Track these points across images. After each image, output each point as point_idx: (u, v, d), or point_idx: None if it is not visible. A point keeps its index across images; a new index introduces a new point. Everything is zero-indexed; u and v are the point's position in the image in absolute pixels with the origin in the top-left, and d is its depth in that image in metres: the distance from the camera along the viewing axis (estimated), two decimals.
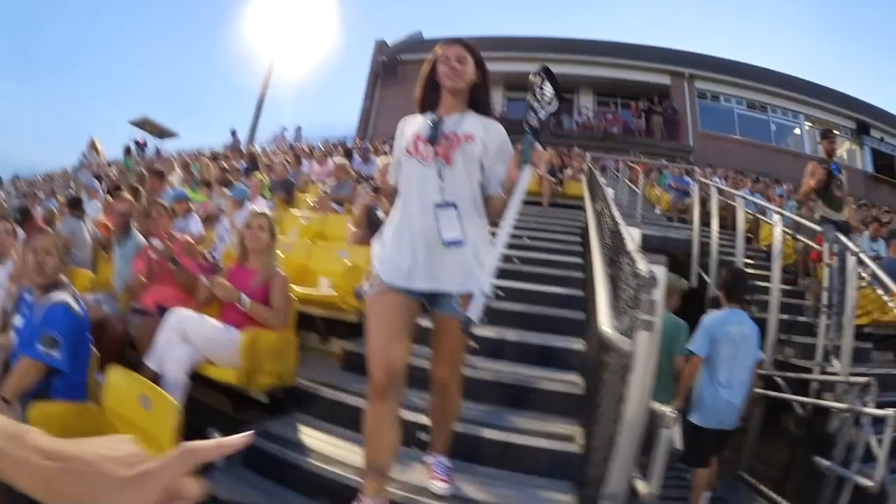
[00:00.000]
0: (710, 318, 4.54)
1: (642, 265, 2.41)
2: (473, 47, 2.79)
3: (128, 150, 20.74)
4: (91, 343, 3.46)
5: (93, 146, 13.50)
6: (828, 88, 24.92)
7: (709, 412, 4.39)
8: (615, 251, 3.88)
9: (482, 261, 2.62)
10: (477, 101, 2.83)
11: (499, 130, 2.78)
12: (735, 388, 4.38)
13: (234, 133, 22.37)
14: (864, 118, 23.79)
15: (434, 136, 2.71)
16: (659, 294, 2.26)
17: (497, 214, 2.72)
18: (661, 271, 2.33)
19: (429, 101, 2.85)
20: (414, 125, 2.84)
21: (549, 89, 2.61)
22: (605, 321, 2.56)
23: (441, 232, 2.61)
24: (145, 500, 0.59)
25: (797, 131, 25.17)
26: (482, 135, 2.71)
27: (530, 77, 2.60)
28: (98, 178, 12.59)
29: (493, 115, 2.87)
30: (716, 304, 5.17)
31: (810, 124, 24.78)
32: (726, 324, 4.45)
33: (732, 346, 4.39)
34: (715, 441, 4.44)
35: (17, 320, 3.55)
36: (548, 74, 2.63)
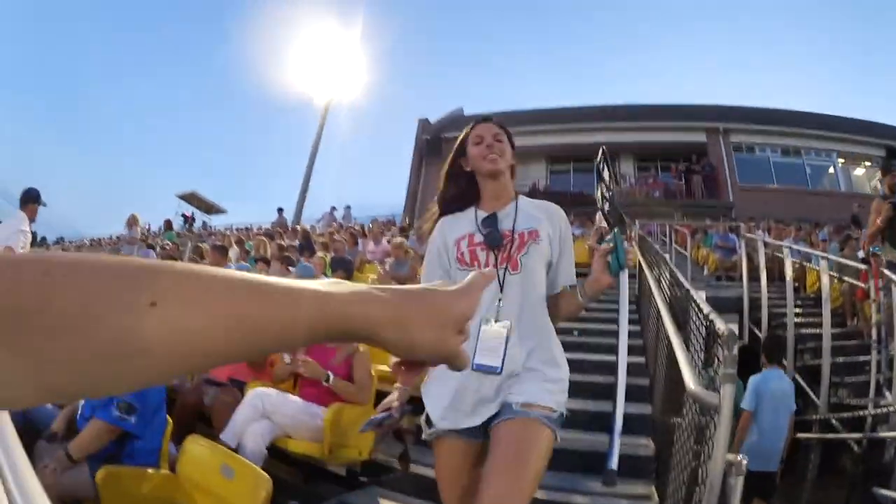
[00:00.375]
0: (756, 378, 5.13)
1: (721, 324, 2.51)
2: (505, 125, 2.40)
3: (168, 224, 20.97)
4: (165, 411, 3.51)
5: (132, 222, 13.82)
6: (855, 120, 24.97)
7: (755, 457, 4.71)
8: (679, 313, 3.99)
9: (553, 378, 2.19)
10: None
11: (560, 214, 2.36)
12: (776, 436, 5.00)
13: (280, 211, 22.79)
14: (892, 143, 23.50)
15: (494, 240, 2.23)
16: (737, 349, 2.35)
17: (566, 317, 2.36)
18: (735, 328, 2.43)
19: (457, 199, 2.41)
20: (459, 227, 2.33)
21: (607, 173, 2.29)
22: (690, 379, 2.63)
23: (475, 354, 2.11)
24: (475, 304, 0.65)
25: (831, 170, 25.02)
26: (546, 226, 2.28)
27: (596, 164, 2.29)
28: (151, 248, 12.98)
29: None
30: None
31: (843, 160, 24.79)
32: (768, 381, 5.10)
33: (774, 400, 5.02)
34: (759, 481, 4.78)
35: None
36: (605, 157, 2.31)
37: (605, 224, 2.24)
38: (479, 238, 2.26)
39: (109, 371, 0.43)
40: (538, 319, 2.22)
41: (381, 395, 4.71)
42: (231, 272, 0.51)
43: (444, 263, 2.31)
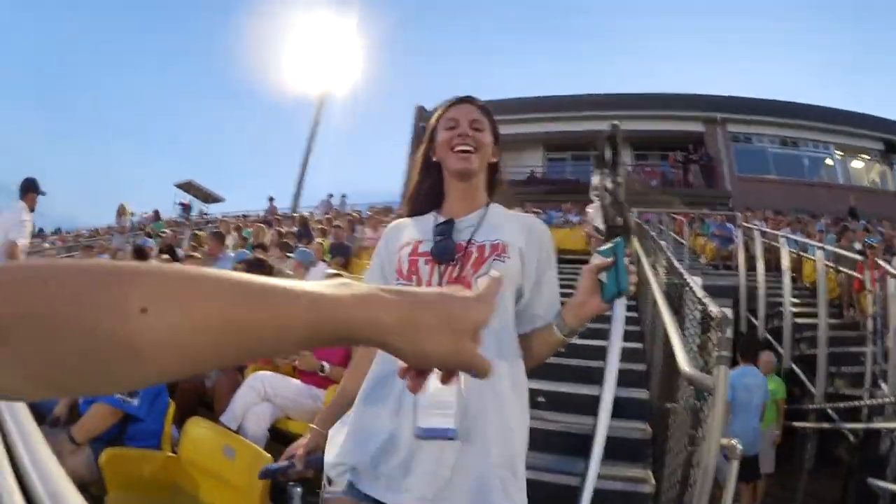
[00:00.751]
0: (731, 372, 5.21)
1: (714, 308, 2.55)
2: (490, 110, 1.84)
3: (157, 215, 21.14)
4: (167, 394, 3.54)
5: (121, 211, 13.80)
6: (854, 113, 24.98)
7: None
8: (676, 300, 4.04)
9: (515, 464, 1.54)
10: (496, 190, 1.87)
11: (544, 232, 1.76)
12: (750, 424, 5.51)
13: (271, 199, 22.81)
14: (891, 137, 23.58)
15: (444, 251, 1.67)
16: (731, 332, 2.39)
17: (537, 363, 1.73)
18: (730, 312, 2.47)
19: (425, 196, 1.86)
20: (408, 233, 1.78)
21: (611, 156, 1.56)
22: (684, 362, 2.67)
23: (418, 414, 1.40)
24: (491, 310, 0.63)
25: (829, 161, 24.98)
26: (522, 242, 1.68)
27: (602, 147, 1.56)
28: (149, 236, 13.02)
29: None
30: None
31: (841, 153, 24.77)
32: (743, 377, 5.65)
33: (748, 393, 5.58)
34: (741, 465, 4.94)
35: None
36: (616, 135, 1.56)
37: (599, 224, 1.58)
38: (426, 247, 1.71)
39: (104, 373, 0.44)
40: (498, 371, 1.55)
41: None
42: (224, 273, 0.50)
43: (385, 275, 1.76)
